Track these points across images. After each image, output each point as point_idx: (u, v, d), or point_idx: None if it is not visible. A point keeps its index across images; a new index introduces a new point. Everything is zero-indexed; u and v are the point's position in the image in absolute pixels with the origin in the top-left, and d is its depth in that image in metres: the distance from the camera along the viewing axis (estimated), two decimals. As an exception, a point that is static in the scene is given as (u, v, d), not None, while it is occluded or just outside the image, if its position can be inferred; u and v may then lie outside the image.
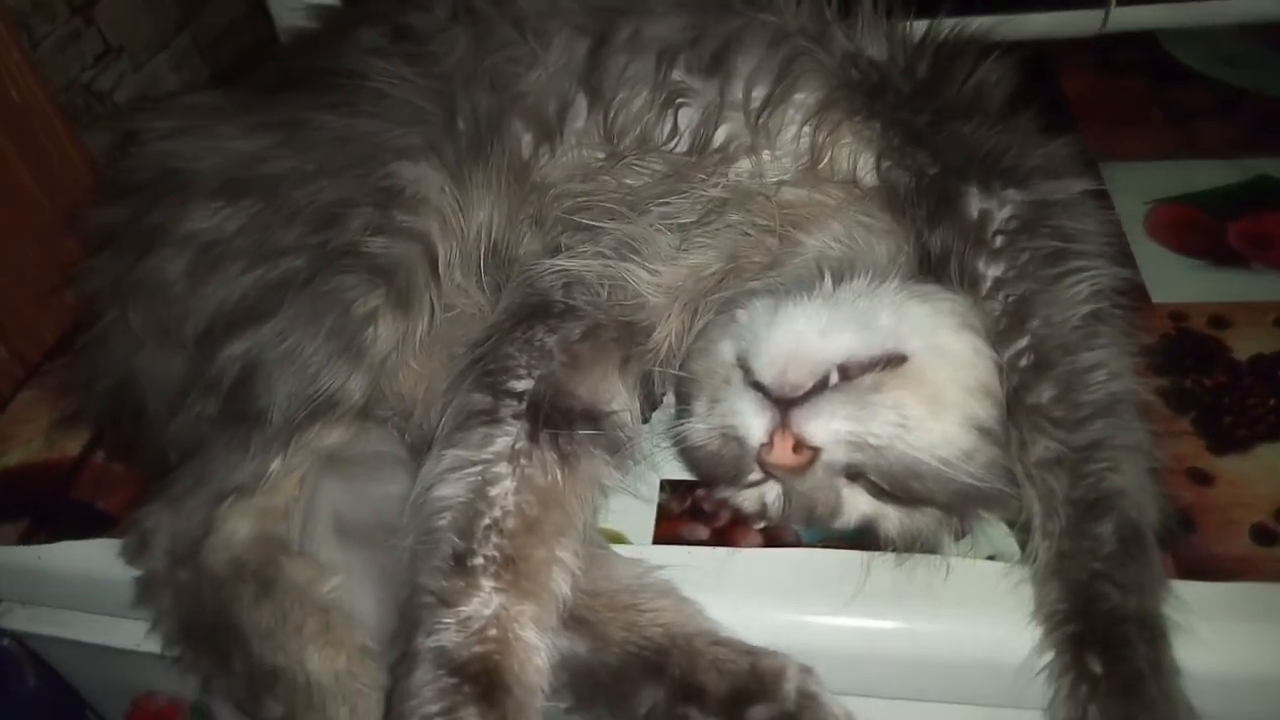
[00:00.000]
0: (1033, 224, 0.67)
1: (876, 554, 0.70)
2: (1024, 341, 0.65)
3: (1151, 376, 0.77)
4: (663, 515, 0.77)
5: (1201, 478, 0.73)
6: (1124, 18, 1.06)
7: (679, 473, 0.79)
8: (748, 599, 0.71)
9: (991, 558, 0.70)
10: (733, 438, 0.66)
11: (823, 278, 0.67)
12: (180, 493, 0.75)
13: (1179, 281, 0.87)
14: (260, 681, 0.70)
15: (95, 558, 0.80)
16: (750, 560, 0.73)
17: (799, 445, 0.61)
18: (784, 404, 0.62)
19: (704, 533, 0.75)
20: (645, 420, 0.79)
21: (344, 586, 0.74)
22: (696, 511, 0.76)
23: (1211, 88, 1.09)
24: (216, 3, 1.43)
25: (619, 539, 0.75)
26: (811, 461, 0.62)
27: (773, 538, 0.74)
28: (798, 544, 0.73)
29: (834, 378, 0.62)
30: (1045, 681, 0.64)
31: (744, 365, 0.65)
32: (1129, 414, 0.64)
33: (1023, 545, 0.69)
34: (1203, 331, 0.83)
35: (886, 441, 0.61)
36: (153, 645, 0.84)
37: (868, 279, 0.66)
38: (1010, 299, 0.66)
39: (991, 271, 0.67)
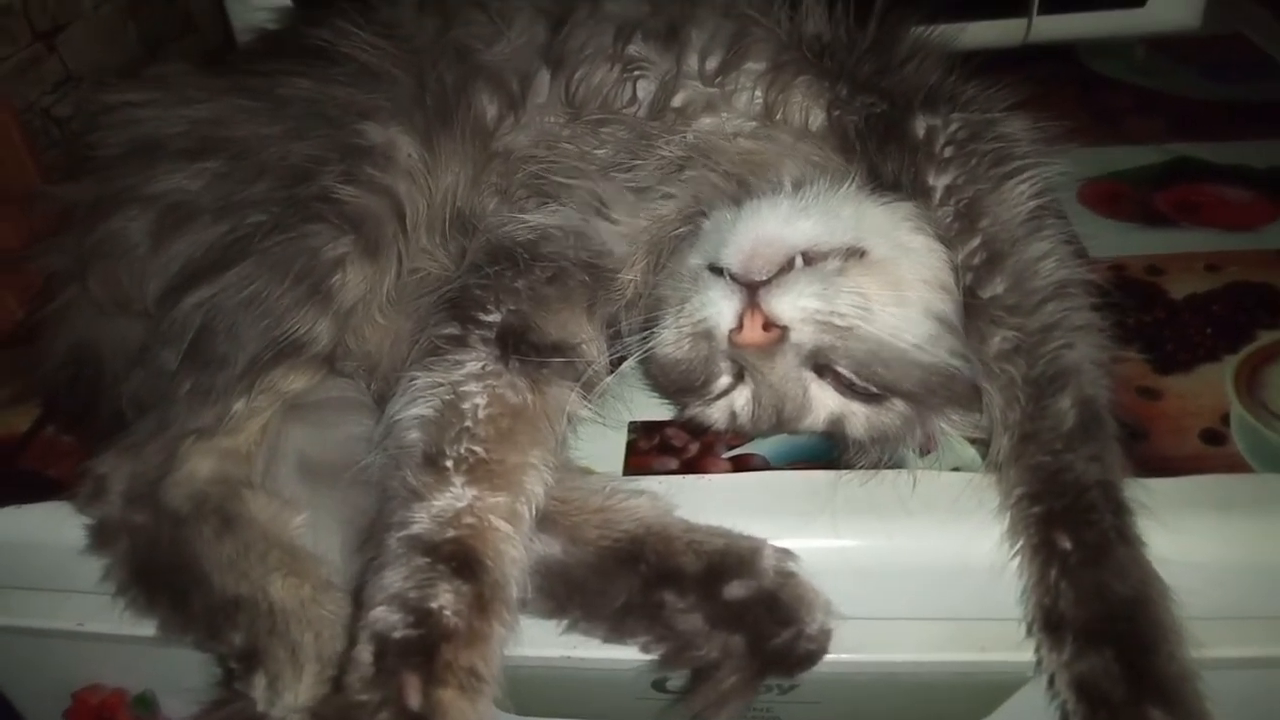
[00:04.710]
0: (980, 132, 0.72)
1: (844, 473, 0.71)
2: (976, 240, 0.68)
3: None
4: (632, 452, 0.77)
5: (1150, 393, 0.76)
6: (1044, 27, 1.16)
7: (646, 414, 0.79)
8: (720, 523, 0.70)
9: (956, 469, 0.71)
10: (702, 334, 0.67)
11: (783, 187, 0.70)
12: (138, 440, 0.74)
13: (1114, 240, 0.91)
14: (221, 613, 0.67)
15: (42, 522, 0.77)
16: (720, 486, 0.73)
17: (768, 324, 0.63)
18: (752, 287, 0.63)
19: (673, 464, 0.75)
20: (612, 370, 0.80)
21: (308, 526, 0.72)
22: (665, 447, 0.77)
23: (1132, 92, 1.17)
24: (180, 39, 1.46)
25: (588, 473, 0.75)
26: (780, 340, 0.63)
27: (741, 464, 0.75)
28: (766, 468, 0.74)
29: (799, 262, 0.64)
30: (1015, 576, 0.65)
31: (711, 262, 0.67)
32: (1078, 297, 0.67)
33: (985, 458, 0.70)
34: (1140, 278, 0.87)
35: (852, 322, 0.63)
36: (98, 624, 0.81)
37: (827, 184, 0.69)
38: (961, 203, 0.69)
39: (941, 181, 0.71)
